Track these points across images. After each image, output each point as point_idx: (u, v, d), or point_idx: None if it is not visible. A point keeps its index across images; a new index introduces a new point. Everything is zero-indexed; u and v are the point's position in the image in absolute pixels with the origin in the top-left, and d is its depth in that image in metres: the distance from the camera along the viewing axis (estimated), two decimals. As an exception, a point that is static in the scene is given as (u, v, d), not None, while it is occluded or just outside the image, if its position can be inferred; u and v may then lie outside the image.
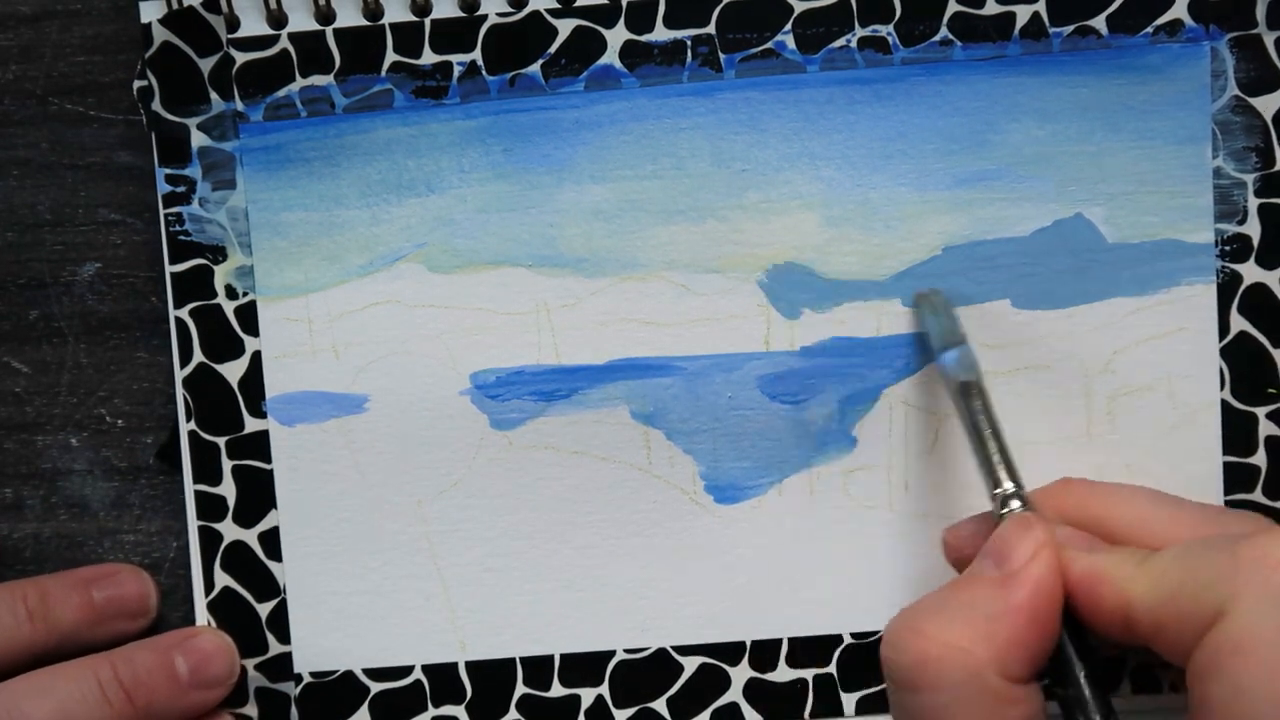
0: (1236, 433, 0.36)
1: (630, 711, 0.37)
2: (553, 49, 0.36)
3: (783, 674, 0.37)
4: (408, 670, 0.37)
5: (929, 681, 0.27)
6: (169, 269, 0.36)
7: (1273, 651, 0.25)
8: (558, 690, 0.37)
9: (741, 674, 0.37)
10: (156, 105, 0.36)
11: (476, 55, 0.36)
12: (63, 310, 0.37)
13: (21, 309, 0.37)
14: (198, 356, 0.36)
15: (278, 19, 0.35)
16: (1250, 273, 0.35)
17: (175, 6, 0.35)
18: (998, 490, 0.31)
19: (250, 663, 0.37)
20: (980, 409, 0.32)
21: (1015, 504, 0.31)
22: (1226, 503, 0.36)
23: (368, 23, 0.36)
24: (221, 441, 0.37)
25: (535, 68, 0.36)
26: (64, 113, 0.37)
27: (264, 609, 0.37)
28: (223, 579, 0.37)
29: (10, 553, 0.38)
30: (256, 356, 0.36)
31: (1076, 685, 0.29)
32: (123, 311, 0.37)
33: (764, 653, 0.36)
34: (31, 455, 0.38)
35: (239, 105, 0.36)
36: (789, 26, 0.35)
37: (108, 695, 0.34)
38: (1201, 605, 0.26)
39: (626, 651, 0.37)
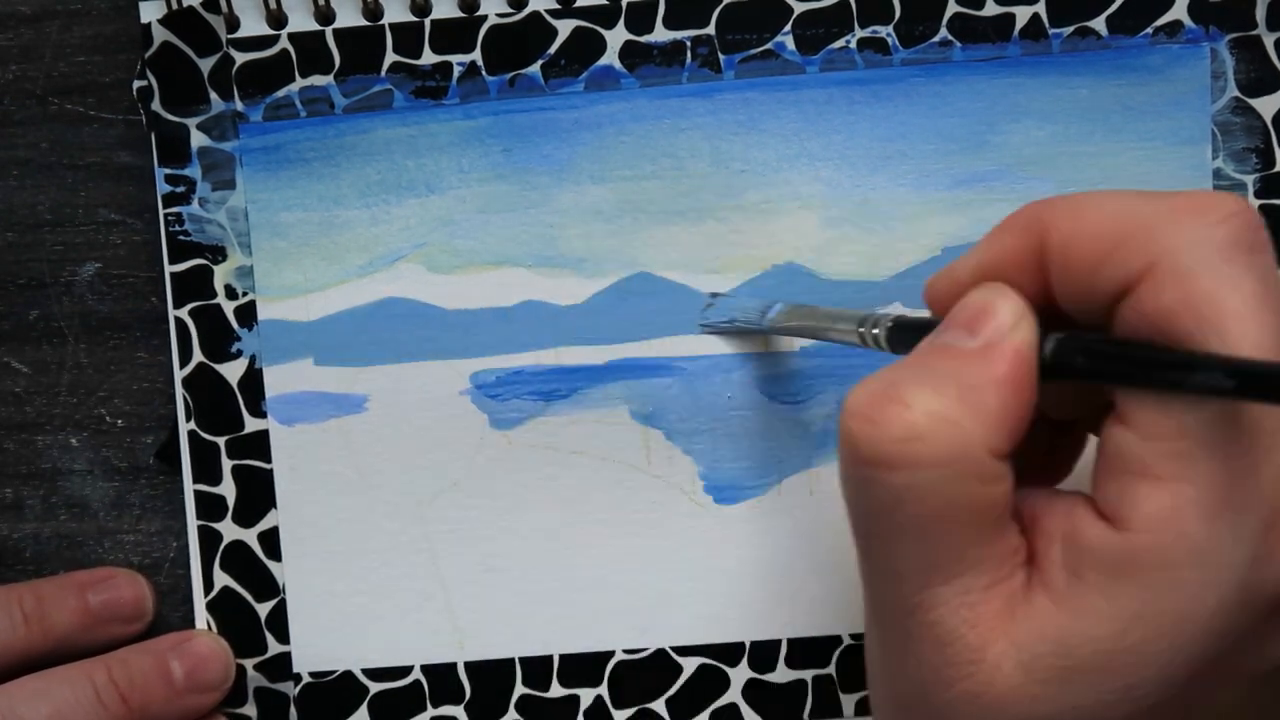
0: (1236, 434, 0.36)
1: (629, 712, 0.37)
2: (552, 49, 0.36)
3: (782, 675, 0.36)
4: (407, 670, 0.37)
5: (912, 458, 0.24)
6: (168, 269, 0.36)
7: (1208, 306, 0.23)
8: (557, 690, 0.37)
9: (741, 675, 0.37)
10: (156, 105, 0.36)
11: (476, 55, 0.36)
12: (63, 310, 0.37)
13: (21, 309, 0.37)
14: (197, 356, 0.36)
15: (277, 19, 0.36)
16: (1250, 273, 0.35)
17: (175, 6, 0.35)
18: (883, 313, 0.29)
19: (249, 663, 0.37)
20: (801, 312, 0.33)
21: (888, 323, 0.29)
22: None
23: (367, 23, 0.36)
24: (221, 441, 0.37)
25: (535, 68, 0.36)
26: (64, 113, 0.37)
27: (263, 609, 0.37)
28: (222, 579, 0.37)
29: (10, 553, 0.38)
30: (256, 357, 0.36)
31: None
32: (122, 311, 0.37)
33: (763, 653, 0.36)
34: (31, 455, 0.38)
35: (239, 105, 0.36)
36: (788, 27, 0.35)
37: (103, 699, 0.34)
38: (1129, 257, 0.24)
39: (626, 652, 0.37)
